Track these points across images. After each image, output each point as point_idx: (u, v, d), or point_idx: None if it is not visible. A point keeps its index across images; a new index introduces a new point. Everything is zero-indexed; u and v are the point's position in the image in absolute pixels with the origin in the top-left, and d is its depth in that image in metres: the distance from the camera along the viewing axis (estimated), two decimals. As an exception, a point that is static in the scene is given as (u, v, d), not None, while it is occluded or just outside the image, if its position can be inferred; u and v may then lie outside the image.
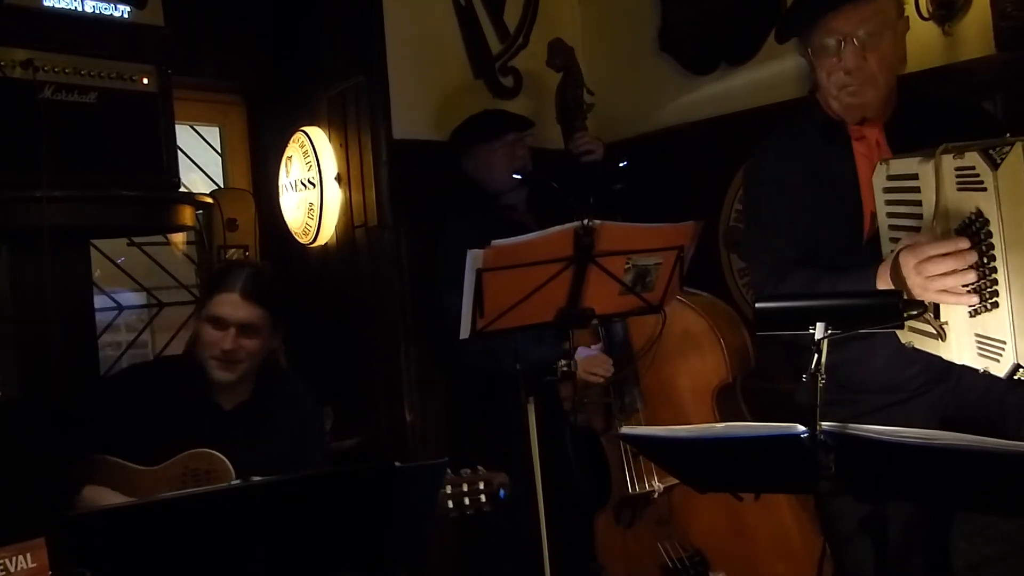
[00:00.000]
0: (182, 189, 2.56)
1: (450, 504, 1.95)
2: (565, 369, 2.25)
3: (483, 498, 1.97)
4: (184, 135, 3.44)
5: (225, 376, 2.08)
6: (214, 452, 1.97)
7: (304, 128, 3.29)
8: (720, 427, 1.22)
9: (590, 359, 2.58)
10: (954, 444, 0.99)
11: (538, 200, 2.87)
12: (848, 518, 1.76)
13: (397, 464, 1.52)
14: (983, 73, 2.40)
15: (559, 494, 2.33)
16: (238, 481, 1.51)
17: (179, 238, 3.24)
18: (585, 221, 2.02)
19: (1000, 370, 1.31)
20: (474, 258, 1.96)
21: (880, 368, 1.77)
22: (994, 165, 1.21)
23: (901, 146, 1.74)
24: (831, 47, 1.76)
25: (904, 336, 1.58)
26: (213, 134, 3.64)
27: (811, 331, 1.14)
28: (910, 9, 2.42)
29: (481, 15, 3.32)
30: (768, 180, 1.94)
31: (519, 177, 2.80)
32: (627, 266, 2.17)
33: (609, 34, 3.45)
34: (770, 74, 2.91)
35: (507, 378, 2.29)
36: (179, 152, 2.52)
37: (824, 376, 1.12)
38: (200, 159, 3.62)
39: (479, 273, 1.97)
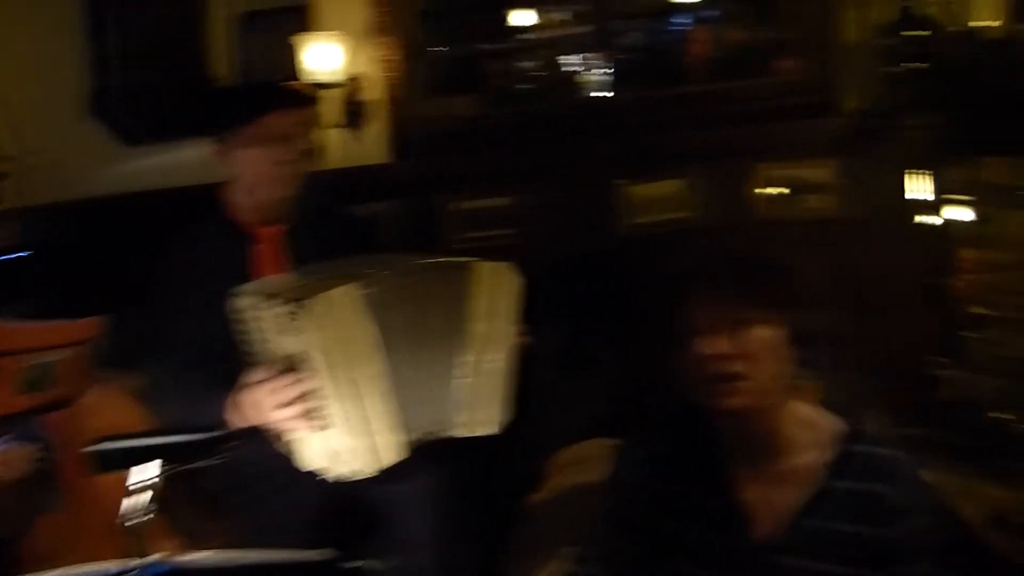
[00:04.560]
0: None
1: None
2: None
3: None
4: None
5: None
6: None
7: None
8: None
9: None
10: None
11: None
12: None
13: None
14: (381, 178, 2.77)
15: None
16: None
17: None
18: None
19: (350, 474, 1.54)
20: None
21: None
22: (300, 317, 1.41)
23: (297, 252, 1.90)
24: (261, 143, 1.85)
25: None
26: None
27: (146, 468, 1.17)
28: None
29: None
30: (164, 280, 1.95)
31: None
32: (25, 365, 2.01)
33: (38, 93, 3.15)
34: (199, 154, 2.95)
35: None
36: None
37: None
38: None
39: None
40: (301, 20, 2.88)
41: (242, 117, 1.91)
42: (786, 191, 2.79)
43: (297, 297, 1.42)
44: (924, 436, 2.27)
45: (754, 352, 1.26)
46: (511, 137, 2.88)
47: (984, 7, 2.38)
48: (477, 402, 1.62)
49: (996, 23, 2.32)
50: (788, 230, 2.71)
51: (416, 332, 1.54)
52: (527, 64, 3.16)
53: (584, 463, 2.05)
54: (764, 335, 1.27)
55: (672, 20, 3.19)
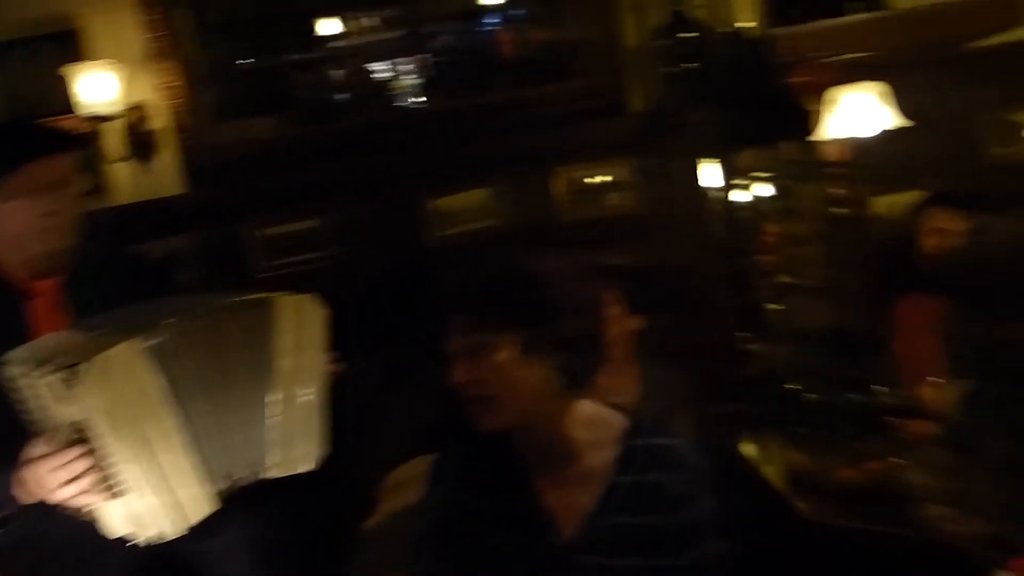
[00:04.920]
0: None
1: None
2: None
3: None
4: None
5: None
6: None
7: None
8: None
9: None
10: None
11: None
12: None
13: None
14: (177, 210, 2.63)
15: None
16: None
17: None
18: None
19: (159, 536, 1.43)
20: None
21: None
22: (76, 383, 1.31)
23: (78, 304, 1.75)
24: (24, 195, 1.67)
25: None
26: None
27: None
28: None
29: None
30: None
31: None
32: None
33: None
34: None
35: None
36: None
37: None
38: None
39: None
40: (70, 48, 2.67)
41: (0, 166, 1.76)
42: (587, 192, 2.90)
43: (72, 361, 1.32)
44: (736, 410, 2.43)
45: (499, 374, 1.28)
46: (313, 156, 2.82)
47: (744, 9, 2.58)
48: (291, 439, 1.57)
49: (753, 24, 2.53)
50: (592, 230, 2.81)
51: (214, 377, 1.47)
52: (334, 74, 3.09)
53: (413, 483, 2.04)
54: (507, 356, 1.28)
55: (480, 21, 3.24)
